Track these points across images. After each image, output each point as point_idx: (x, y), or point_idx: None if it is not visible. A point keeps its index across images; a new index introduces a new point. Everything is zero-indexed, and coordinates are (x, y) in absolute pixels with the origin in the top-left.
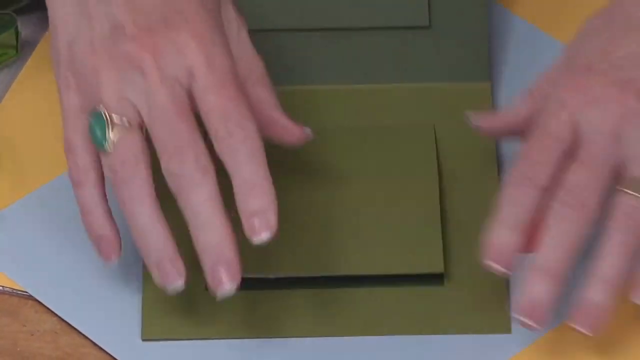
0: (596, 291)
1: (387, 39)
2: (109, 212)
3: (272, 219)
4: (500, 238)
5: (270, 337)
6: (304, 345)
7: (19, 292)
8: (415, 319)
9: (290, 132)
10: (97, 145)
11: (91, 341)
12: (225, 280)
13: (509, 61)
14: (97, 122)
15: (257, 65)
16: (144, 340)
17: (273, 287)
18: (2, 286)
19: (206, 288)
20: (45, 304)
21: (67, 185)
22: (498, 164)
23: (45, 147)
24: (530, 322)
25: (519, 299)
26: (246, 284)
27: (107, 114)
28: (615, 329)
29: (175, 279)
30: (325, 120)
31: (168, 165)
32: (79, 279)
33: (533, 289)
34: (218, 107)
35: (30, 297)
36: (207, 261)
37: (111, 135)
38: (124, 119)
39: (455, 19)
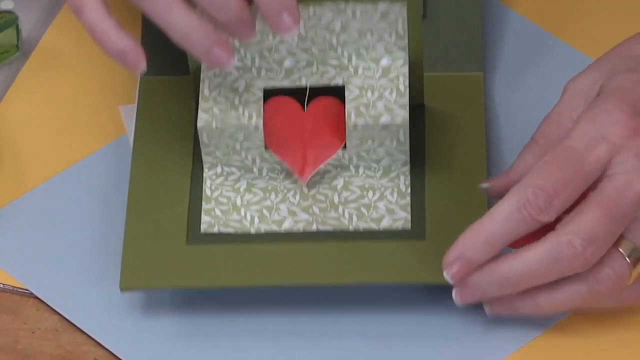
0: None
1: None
2: (118, 24)
3: (297, 12)
4: (473, 253)
5: (249, 286)
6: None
7: (20, 290)
8: (394, 268)
9: None
10: None
11: (92, 339)
12: (291, 24)
13: (503, 54)
14: None
15: None
16: (122, 290)
17: (253, 240)
18: (3, 284)
19: (187, 243)
20: (47, 302)
21: (68, 183)
22: (487, 154)
23: (46, 145)
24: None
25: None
26: (228, 238)
27: None
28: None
29: (229, 59)
30: None
31: None
32: (80, 276)
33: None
34: None
35: (32, 295)
36: (270, 11)
37: None
38: None
39: (450, 10)
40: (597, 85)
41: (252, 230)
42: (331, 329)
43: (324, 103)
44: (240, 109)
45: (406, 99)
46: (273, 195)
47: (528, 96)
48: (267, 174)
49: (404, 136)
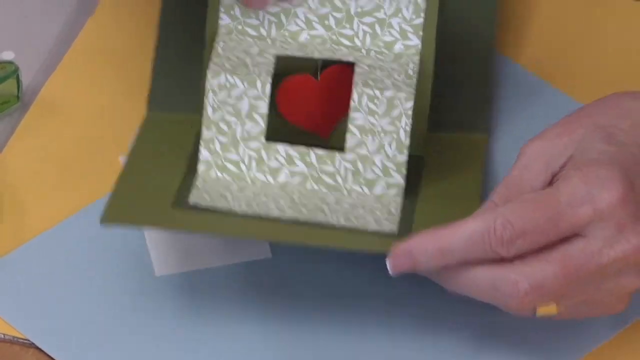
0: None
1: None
2: None
3: None
4: (422, 256)
5: (228, 235)
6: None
7: (21, 340)
8: None
9: None
10: None
11: None
12: None
13: (508, 110)
14: None
15: None
16: (102, 223)
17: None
18: (4, 334)
19: (173, 206)
20: (47, 352)
21: (68, 232)
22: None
23: (47, 194)
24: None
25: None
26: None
27: None
28: None
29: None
30: None
31: None
32: (81, 326)
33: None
34: None
35: (32, 345)
36: None
37: None
38: None
39: (458, 69)
40: (564, 156)
41: (248, 180)
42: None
43: (336, 69)
44: (250, 66)
45: (413, 80)
46: (264, 197)
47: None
48: (260, 185)
49: (412, 70)
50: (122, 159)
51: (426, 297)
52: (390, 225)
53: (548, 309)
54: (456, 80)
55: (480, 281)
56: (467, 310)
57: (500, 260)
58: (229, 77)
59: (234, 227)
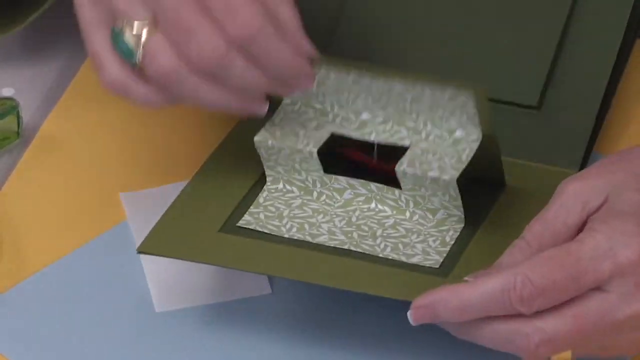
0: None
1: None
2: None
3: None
4: (442, 310)
5: (261, 273)
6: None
7: None
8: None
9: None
10: (127, 60)
11: None
12: (310, 83)
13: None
14: (118, 36)
15: None
16: (138, 251)
17: (281, 242)
18: None
19: (220, 230)
20: None
21: (69, 269)
22: None
23: (47, 230)
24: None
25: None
26: (259, 235)
27: (125, 24)
28: None
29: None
30: None
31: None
32: None
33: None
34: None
35: None
36: (288, 80)
37: (136, 47)
38: (144, 23)
39: (565, 105)
40: (601, 197)
41: (286, 236)
42: None
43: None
44: (301, 137)
45: (463, 165)
46: (321, 216)
47: None
48: (325, 200)
49: (454, 192)
50: (122, 196)
51: (433, 336)
52: (435, 257)
53: (562, 356)
54: (559, 115)
55: (495, 334)
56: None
57: (518, 315)
58: (287, 185)
59: (264, 262)
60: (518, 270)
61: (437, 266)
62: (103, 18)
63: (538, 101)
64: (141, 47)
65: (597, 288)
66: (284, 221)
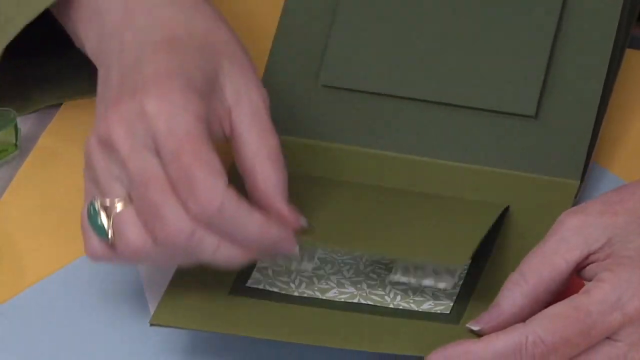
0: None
1: (485, 121)
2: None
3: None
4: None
5: (273, 340)
6: None
7: None
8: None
9: (285, 219)
10: (101, 237)
11: None
12: (292, 248)
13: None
14: (91, 215)
15: (270, 140)
16: (151, 324)
17: (293, 302)
18: None
19: (230, 292)
20: None
21: (67, 280)
22: None
23: (45, 242)
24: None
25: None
26: (269, 295)
27: (99, 201)
28: None
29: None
30: (401, 186)
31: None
32: None
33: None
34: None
35: None
36: (269, 249)
37: (108, 224)
38: (116, 200)
39: (562, 114)
40: (603, 237)
41: (296, 293)
42: None
43: None
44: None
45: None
46: (329, 267)
47: None
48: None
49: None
50: None
51: None
52: (446, 301)
53: None
54: (556, 124)
55: None
56: None
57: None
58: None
59: (277, 327)
60: (529, 329)
61: (448, 312)
62: (91, 191)
63: (535, 110)
64: (112, 223)
65: (607, 337)
66: (293, 276)
